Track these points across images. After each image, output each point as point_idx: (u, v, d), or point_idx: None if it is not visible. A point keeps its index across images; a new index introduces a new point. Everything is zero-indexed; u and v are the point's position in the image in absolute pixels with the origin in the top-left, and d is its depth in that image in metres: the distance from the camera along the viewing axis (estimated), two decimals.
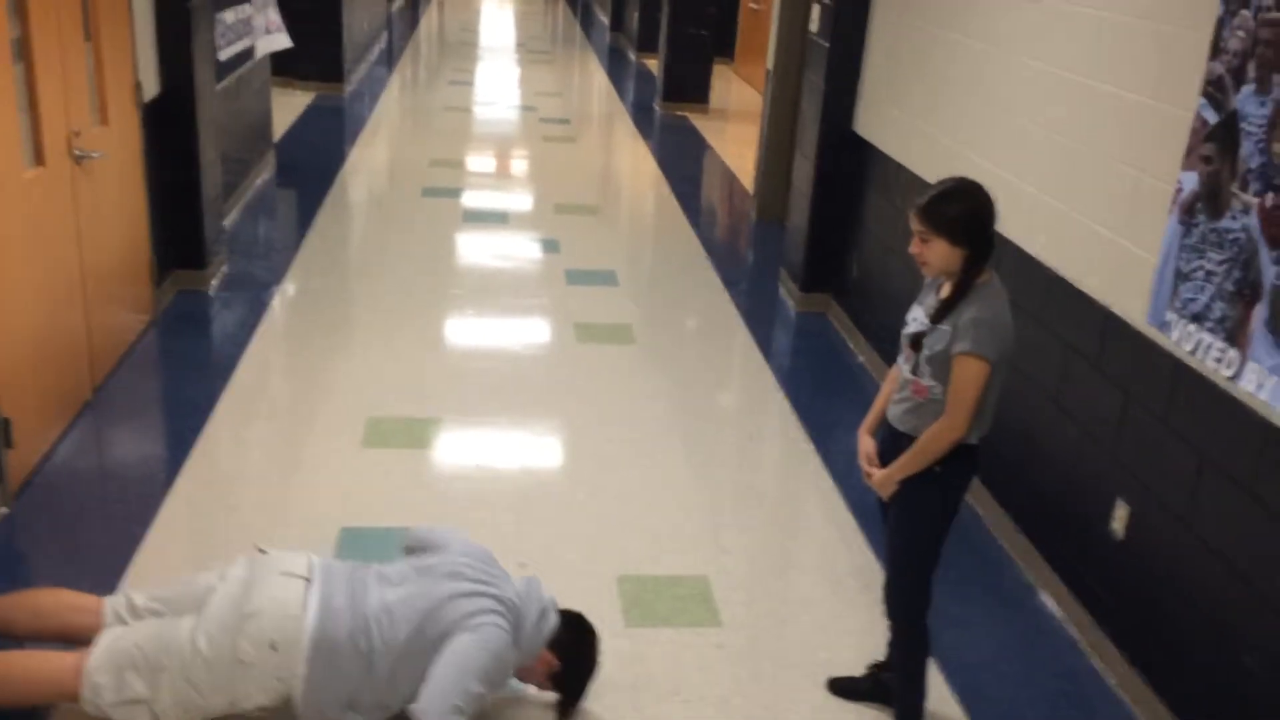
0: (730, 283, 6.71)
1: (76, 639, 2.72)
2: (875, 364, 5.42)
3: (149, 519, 3.73)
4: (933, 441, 2.65)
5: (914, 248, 2.65)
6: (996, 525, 4.11)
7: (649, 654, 3.26)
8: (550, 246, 7.14)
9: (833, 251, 6.11)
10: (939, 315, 2.63)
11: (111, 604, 2.80)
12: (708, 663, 3.26)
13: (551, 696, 2.97)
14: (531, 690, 2.99)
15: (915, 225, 2.62)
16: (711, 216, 8.44)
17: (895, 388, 2.83)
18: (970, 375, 2.58)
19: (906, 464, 2.70)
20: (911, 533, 2.79)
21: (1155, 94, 3.25)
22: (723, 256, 7.29)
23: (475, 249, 7.03)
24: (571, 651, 2.90)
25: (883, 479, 2.75)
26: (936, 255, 2.61)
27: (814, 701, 3.13)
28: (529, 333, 5.71)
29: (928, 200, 2.62)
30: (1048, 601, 3.71)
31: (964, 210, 2.58)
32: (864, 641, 3.36)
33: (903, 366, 2.76)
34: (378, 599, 2.74)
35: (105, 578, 3.32)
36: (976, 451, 2.74)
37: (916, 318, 2.76)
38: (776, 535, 4.06)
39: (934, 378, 2.66)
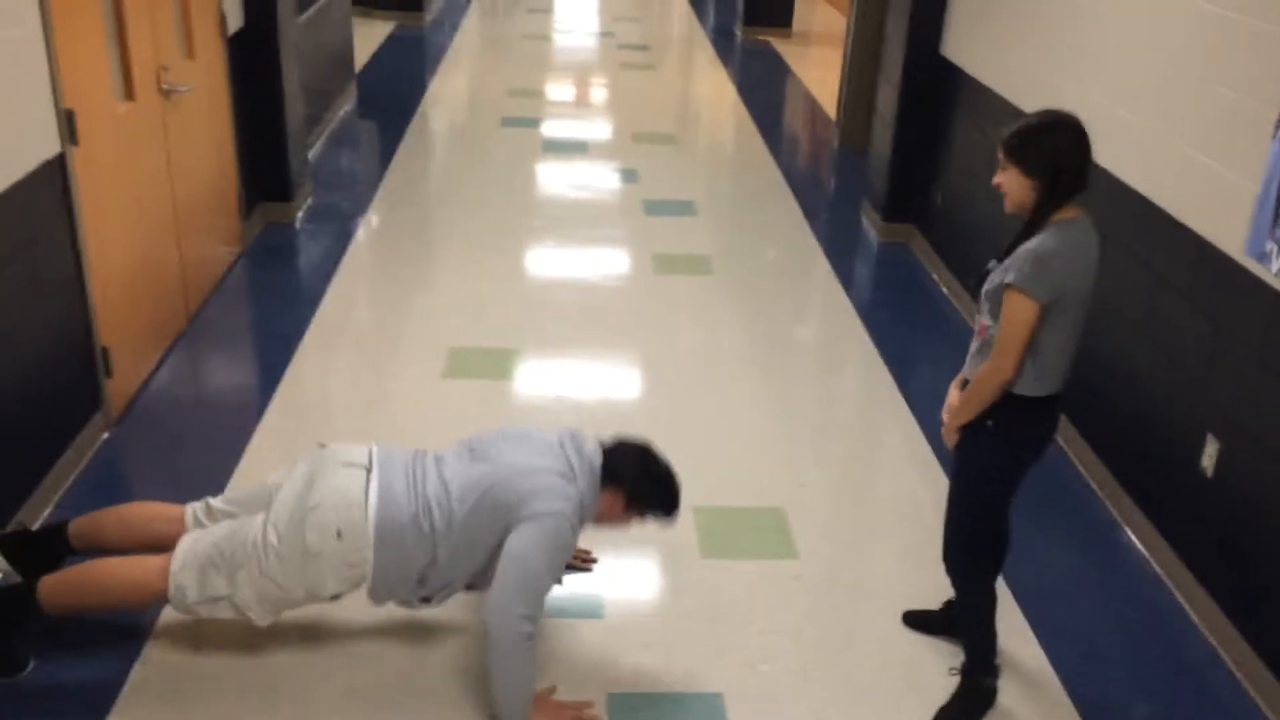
0: (811, 213, 6.61)
1: (164, 547, 2.83)
2: (959, 296, 5.32)
3: (241, 445, 3.86)
4: (978, 384, 2.54)
5: (997, 177, 2.57)
6: (1079, 457, 4.04)
7: (724, 584, 3.30)
8: (629, 176, 7.10)
9: (917, 180, 5.97)
10: (1007, 250, 2.55)
11: (191, 510, 2.93)
12: (783, 594, 3.29)
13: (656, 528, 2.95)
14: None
15: (999, 155, 2.54)
16: (792, 144, 8.30)
17: None
18: (1014, 312, 2.44)
19: (959, 410, 2.62)
20: (964, 483, 2.72)
21: (1260, 11, 3.09)
22: (803, 186, 7.18)
23: (554, 179, 7.02)
24: (627, 477, 2.80)
25: (945, 427, 2.69)
26: (1013, 185, 2.51)
27: (889, 633, 3.14)
28: (608, 264, 5.72)
29: (1010, 130, 2.53)
30: (1130, 536, 3.65)
31: (1045, 143, 2.46)
32: (941, 576, 3.32)
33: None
34: (436, 478, 2.76)
35: (203, 498, 3.45)
36: (1044, 407, 2.58)
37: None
38: (854, 468, 4.04)
39: (992, 316, 2.55)
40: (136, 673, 2.83)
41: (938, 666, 3.01)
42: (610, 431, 3.88)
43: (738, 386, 4.50)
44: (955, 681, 2.91)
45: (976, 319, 2.65)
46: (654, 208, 6.55)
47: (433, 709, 2.77)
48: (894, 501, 3.81)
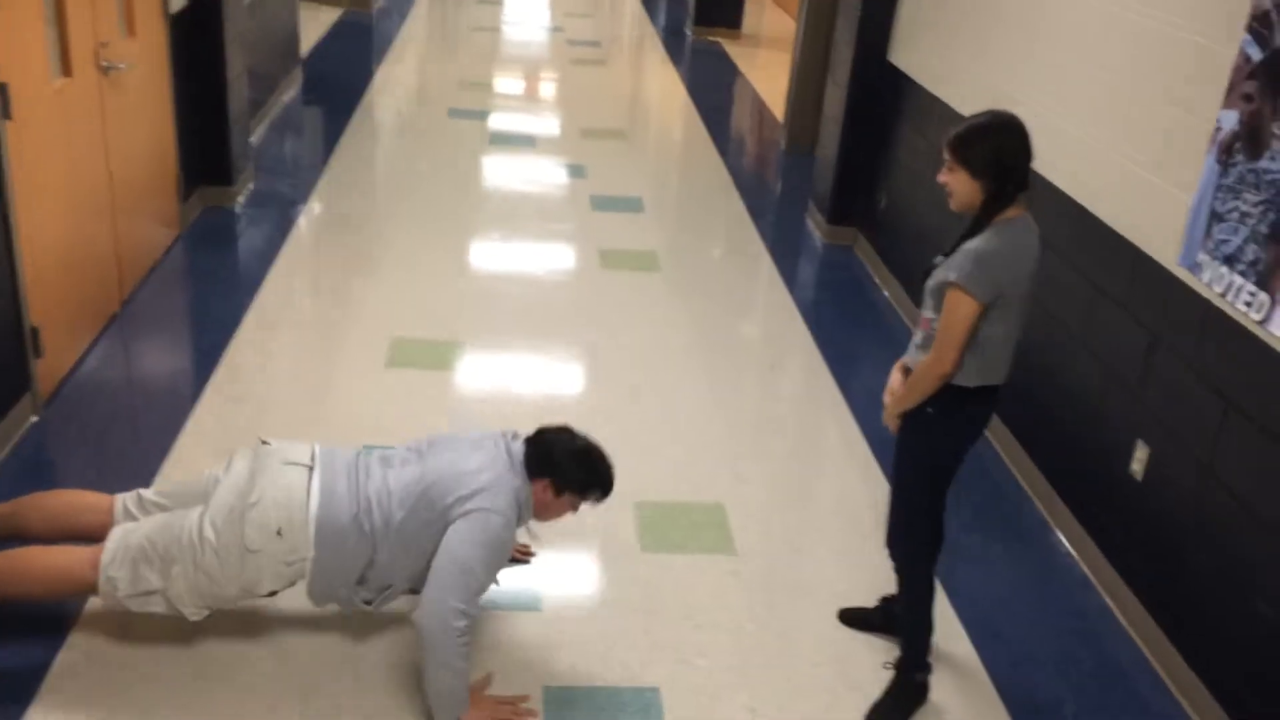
0: (757, 213, 6.65)
1: (90, 538, 2.78)
2: (900, 299, 5.39)
3: (175, 431, 3.78)
4: (919, 377, 2.61)
5: (942, 176, 2.61)
6: (1014, 461, 4.11)
7: (663, 579, 3.31)
8: (576, 172, 7.09)
9: (862, 184, 6.03)
10: (952, 248, 2.60)
11: (121, 501, 2.86)
12: (722, 589, 3.30)
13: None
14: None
15: (945, 154, 2.58)
16: (740, 145, 8.34)
17: None
18: (955, 309, 2.50)
19: (900, 399, 2.69)
20: (901, 473, 2.79)
21: (1200, 29, 3.17)
22: (750, 186, 7.22)
23: (501, 172, 6.98)
24: (550, 462, 2.76)
25: (885, 413, 2.76)
26: (959, 186, 2.56)
27: (825, 631, 3.17)
28: (554, 258, 5.70)
29: (957, 130, 2.57)
30: (1062, 539, 3.73)
31: (990, 144, 2.52)
32: (877, 574, 3.38)
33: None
34: (379, 480, 2.74)
35: (131, 487, 3.37)
36: (980, 398, 2.64)
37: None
38: (794, 466, 4.07)
39: (934, 309, 2.61)
40: (62, 659, 2.76)
41: (872, 663, 3.05)
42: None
43: (681, 382, 4.51)
44: (888, 677, 2.94)
45: (920, 312, 2.70)
46: (601, 203, 6.54)
47: (368, 700, 2.74)
48: (832, 499, 3.85)
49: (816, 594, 3.32)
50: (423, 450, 2.84)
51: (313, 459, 2.77)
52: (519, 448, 2.80)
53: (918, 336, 2.71)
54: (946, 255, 2.60)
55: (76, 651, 2.79)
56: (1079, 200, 3.77)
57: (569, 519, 2.93)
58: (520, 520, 2.77)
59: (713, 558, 3.44)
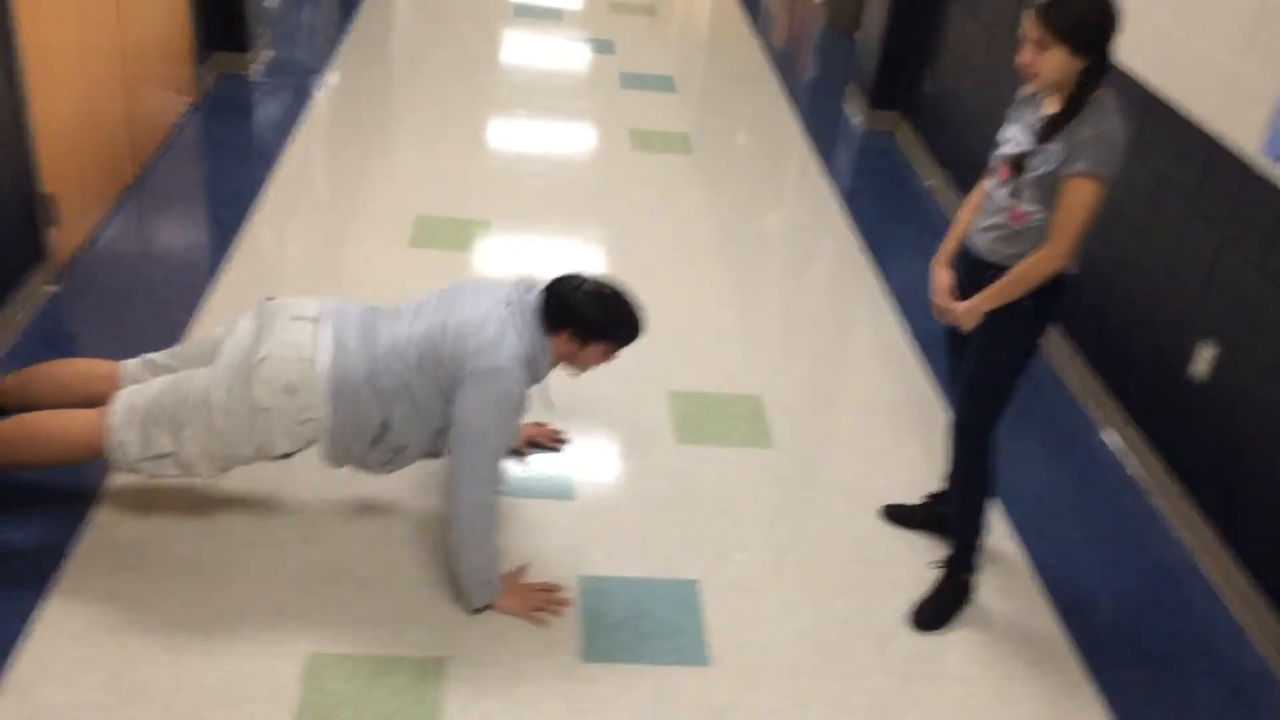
0: (794, 96, 6.38)
1: (100, 405, 2.67)
2: (945, 188, 5.18)
3: (195, 305, 3.66)
4: (1033, 270, 2.46)
5: (1025, 56, 2.38)
6: (1060, 360, 3.97)
7: (699, 471, 3.21)
8: (604, 47, 6.80)
9: (907, 67, 5.76)
10: (1047, 133, 2.40)
11: (129, 366, 2.76)
12: (758, 483, 3.21)
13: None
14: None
15: (1032, 30, 2.35)
16: (777, 24, 7.99)
17: (978, 215, 2.63)
18: (1084, 198, 2.37)
19: (996, 294, 2.51)
20: (992, 367, 2.64)
21: None
22: (787, 67, 6.92)
23: (526, 47, 6.70)
24: (572, 308, 2.55)
25: (968, 309, 2.57)
26: (1052, 65, 2.34)
27: (865, 528, 3.08)
28: (581, 137, 5.48)
29: (1054, 6, 2.33)
30: (1110, 440, 3.61)
31: (1091, 15, 2.31)
32: (917, 472, 3.29)
33: (995, 191, 2.55)
34: (388, 335, 2.60)
35: None
36: (1070, 284, 2.54)
37: (1013, 137, 2.53)
38: (832, 360, 3.94)
39: (1037, 202, 2.44)
40: (84, 540, 2.68)
41: (913, 562, 2.96)
42: None
43: (714, 271, 4.35)
44: (931, 577, 2.86)
45: (996, 201, 2.52)
46: (631, 81, 6.28)
47: (395, 585, 2.67)
48: (871, 395, 3.73)
49: (855, 491, 3.22)
50: (435, 302, 2.66)
51: (320, 313, 2.62)
52: (534, 299, 2.59)
53: (1000, 230, 2.53)
54: (1039, 138, 2.41)
55: (99, 533, 2.71)
56: (1148, 84, 3.54)
57: (599, 363, 2.71)
58: (535, 377, 2.59)
59: (750, 451, 3.33)
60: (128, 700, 2.30)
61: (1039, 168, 2.41)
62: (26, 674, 2.33)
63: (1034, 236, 2.47)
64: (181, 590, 2.58)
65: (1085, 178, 2.35)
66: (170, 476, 2.62)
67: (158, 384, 2.61)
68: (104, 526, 2.73)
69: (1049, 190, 2.41)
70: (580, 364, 2.68)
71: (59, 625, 2.45)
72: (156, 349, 2.83)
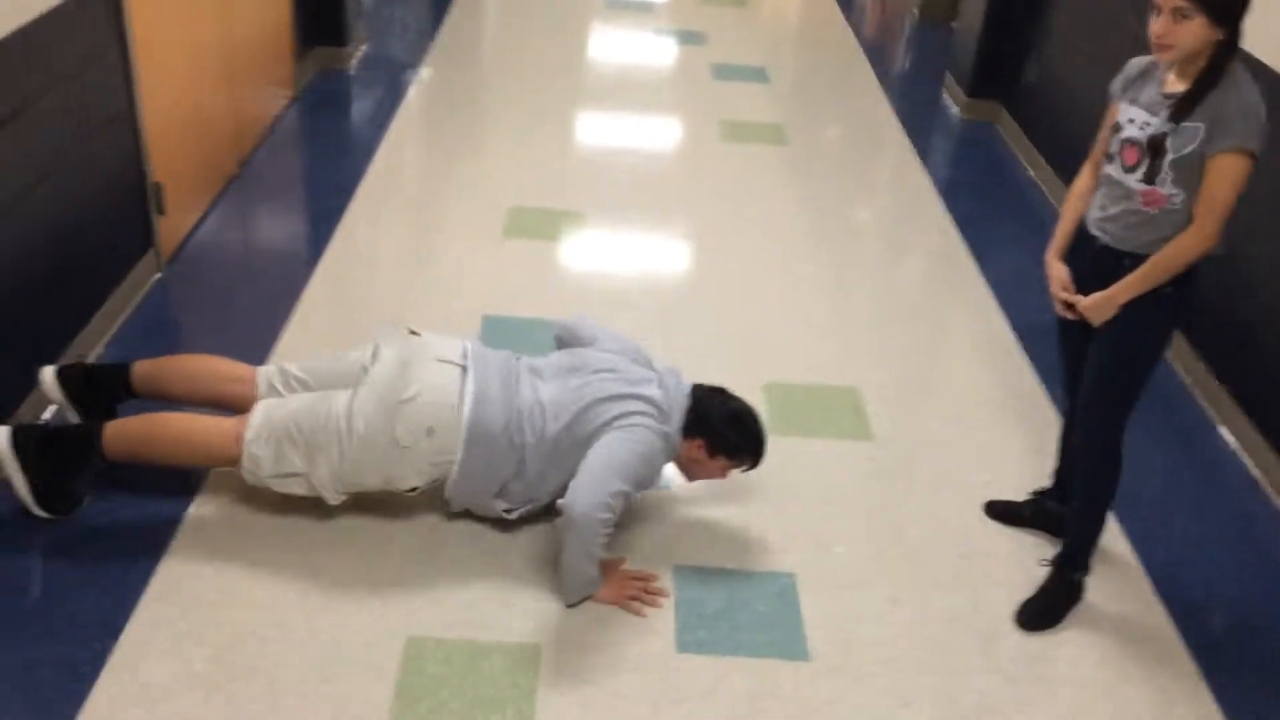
0: (889, 85, 6.27)
1: (230, 407, 2.72)
2: (1048, 179, 5.02)
3: (296, 293, 3.72)
4: (1181, 254, 2.34)
5: (1159, 26, 2.26)
6: (1175, 355, 3.81)
7: (797, 463, 3.15)
8: (696, 39, 6.76)
9: (1007, 54, 5.60)
10: (1182, 110, 2.29)
11: (264, 374, 2.79)
12: (858, 476, 3.14)
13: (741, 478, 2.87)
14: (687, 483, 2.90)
15: (1169, 3, 2.24)
16: (871, 13, 7.87)
17: (1093, 204, 2.52)
18: (1234, 175, 2.26)
19: (1139, 282, 2.39)
20: (1129, 359, 2.51)
21: None
22: (880, 57, 6.80)
23: (617, 40, 6.70)
24: (706, 424, 2.69)
25: (1104, 301, 2.44)
26: (1189, 37, 2.22)
27: (968, 524, 2.99)
28: (674, 129, 5.45)
29: None
30: (1228, 438, 3.46)
31: None
32: (1022, 468, 3.19)
33: (1125, 176, 2.41)
34: (531, 393, 2.67)
35: (254, 348, 3.33)
36: (1201, 267, 2.41)
37: (1136, 118, 2.41)
38: (931, 353, 3.85)
39: (1178, 184, 2.32)
40: (193, 513, 2.74)
41: (1019, 559, 2.87)
42: (678, 311, 3.69)
43: (809, 262, 4.28)
44: (1041, 575, 2.76)
45: (1127, 186, 2.41)
46: (723, 72, 6.23)
47: (493, 572, 2.67)
48: (973, 389, 3.62)
49: (958, 485, 3.13)
50: (582, 361, 2.75)
51: (465, 357, 2.69)
52: (684, 398, 2.71)
53: (1131, 216, 2.41)
54: (1173, 117, 2.30)
55: (208, 506, 2.77)
56: (1276, 67, 3.38)
57: (716, 477, 2.82)
58: (667, 456, 2.71)
59: (848, 443, 3.26)
60: (234, 676, 2.34)
61: (1182, 148, 2.29)
62: (133, 649, 2.37)
63: (1175, 219, 2.35)
64: (285, 570, 2.61)
65: (1235, 153, 2.24)
66: (294, 494, 2.66)
67: (295, 402, 2.64)
68: (209, 505, 2.78)
69: (1190, 170, 2.30)
70: (697, 472, 2.79)
71: (167, 599, 2.50)
72: (257, 338, 2.88)
